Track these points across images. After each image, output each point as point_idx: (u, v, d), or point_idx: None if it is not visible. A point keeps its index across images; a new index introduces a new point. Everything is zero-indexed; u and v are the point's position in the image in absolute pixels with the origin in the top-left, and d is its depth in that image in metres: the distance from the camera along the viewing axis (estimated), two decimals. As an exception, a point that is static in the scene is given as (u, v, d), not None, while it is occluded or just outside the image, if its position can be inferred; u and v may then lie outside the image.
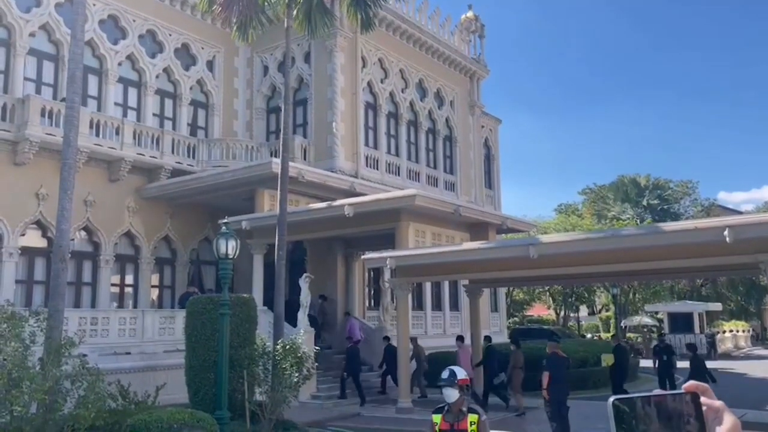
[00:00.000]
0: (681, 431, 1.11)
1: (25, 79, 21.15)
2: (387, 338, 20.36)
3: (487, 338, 19.38)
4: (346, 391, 18.77)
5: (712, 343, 39.01)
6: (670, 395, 1.13)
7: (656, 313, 46.46)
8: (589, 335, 47.44)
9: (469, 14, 33.36)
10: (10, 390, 8.93)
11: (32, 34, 21.44)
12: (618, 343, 21.65)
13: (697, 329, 40.09)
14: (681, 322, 40.39)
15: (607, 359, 20.14)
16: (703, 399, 1.13)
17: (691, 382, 1.16)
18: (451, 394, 5.52)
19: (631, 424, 1.11)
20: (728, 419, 1.13)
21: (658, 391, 1.14)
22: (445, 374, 5.64)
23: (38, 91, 20.96)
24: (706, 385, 1.15)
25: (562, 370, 13.04)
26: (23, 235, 19.88)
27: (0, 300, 11.44)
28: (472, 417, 5.47)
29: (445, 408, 5.59)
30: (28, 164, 19.49)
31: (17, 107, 19.40)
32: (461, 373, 5.64)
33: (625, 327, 45.85)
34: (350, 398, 18.78)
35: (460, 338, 19.85)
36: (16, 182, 19.38)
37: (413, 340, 20.29)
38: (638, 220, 50.58)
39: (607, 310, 54.24)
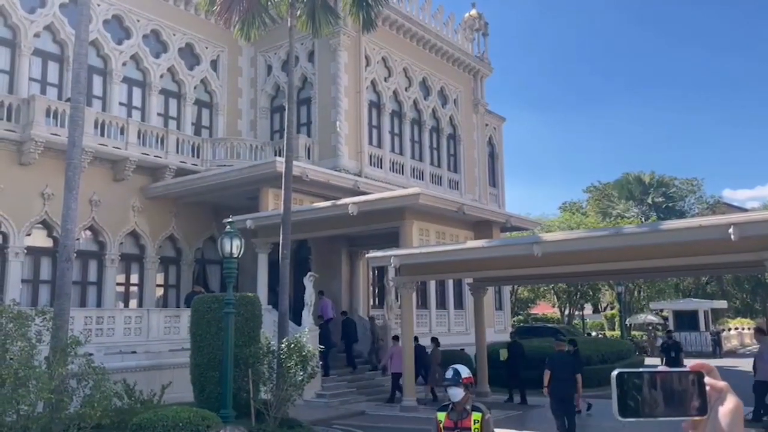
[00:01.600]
0: (684, 408, 1.13)
1: (30, 79, 21.24)
2: (345, 313, 20.74)
3: (416, 338, 19.46)
4: (329, 370, 19.19)
5: (717, 341, 38.86)
6: (675, 372, 1.15)
7: (661, 310, 46.31)
8: (594, 333, 47.35)
9: (473, 12, 33.31)
10: (17, 389, 9.00)
11: (37, 35, 21.52)
12: (515, 340, 20.34)
13: (702, 327, 39.98)
14: (686, 320, 40.28)
15: (503, 353, 19.63)
16: (707, 379, 1.15)
17: (697, 362, 1.18)
18: (456, 393, 5.54)
19: (633, 396, 1.13)
20: (731, 400, 1.14)
21: (663, 368, 1.16)
22: (449, 374, 5.67)
23: (43, 92, 21.04)
24: (711, 365, 1.16)
25: (565, 368, 13.00)
26: (29, 234, 19.97)
27: (6, 299, 11.51)
28: (476, 415, 5.49)
29: (450, 406, 5.61)
30: (34, 164, 19.57)
31: (22, 107, 19.48)
32: (465, 372, 5.66)
33: (630, 325, 45.75)
34: (353, 395, 18.84)
35: (395, 338, 19.66)
36: (21, 182, 19.46)
37: (371, 319, 22.17)
38: (643, 218, 50.56)
39: (611, 308, 54.12)
